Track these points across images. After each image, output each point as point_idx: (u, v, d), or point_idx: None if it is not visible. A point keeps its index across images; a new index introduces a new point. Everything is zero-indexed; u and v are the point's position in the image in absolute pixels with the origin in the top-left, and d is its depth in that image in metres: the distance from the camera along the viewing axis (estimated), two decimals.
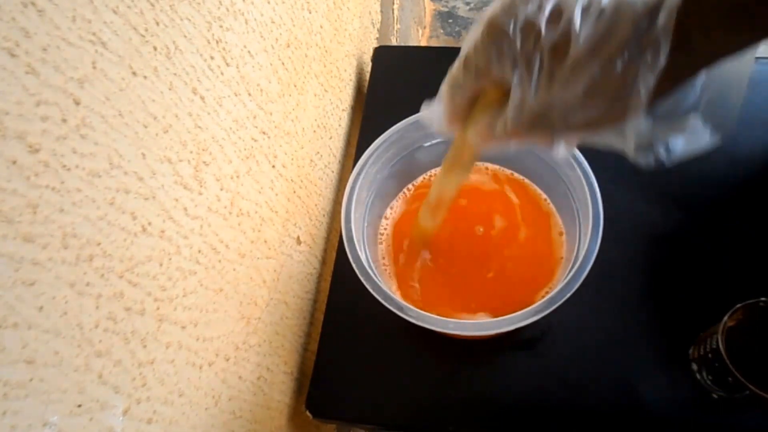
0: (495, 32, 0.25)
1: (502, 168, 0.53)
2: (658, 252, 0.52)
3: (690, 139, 0.25)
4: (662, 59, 0.21)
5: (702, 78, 0.23)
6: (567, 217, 0.48)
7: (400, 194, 0.53)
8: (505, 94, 0.27)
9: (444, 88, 0.30)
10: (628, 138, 0.24)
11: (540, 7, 0.23)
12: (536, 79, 0.24)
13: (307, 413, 0.49)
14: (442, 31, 1.43)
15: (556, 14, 0.23)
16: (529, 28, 0.23)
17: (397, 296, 0.41)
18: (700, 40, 0.21)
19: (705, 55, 0.22)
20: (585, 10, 0.22)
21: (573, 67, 0.23)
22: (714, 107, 0.24)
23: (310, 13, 0.50)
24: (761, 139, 0.55)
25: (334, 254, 0.58)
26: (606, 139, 0.25)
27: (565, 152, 0.27)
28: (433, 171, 0.54)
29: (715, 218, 0.53)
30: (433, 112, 0.32)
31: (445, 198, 0.40)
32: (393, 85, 0.67)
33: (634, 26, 0.21)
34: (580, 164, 0.43)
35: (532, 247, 0.49)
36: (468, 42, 0.27)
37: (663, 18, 0.21)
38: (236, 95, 0.37)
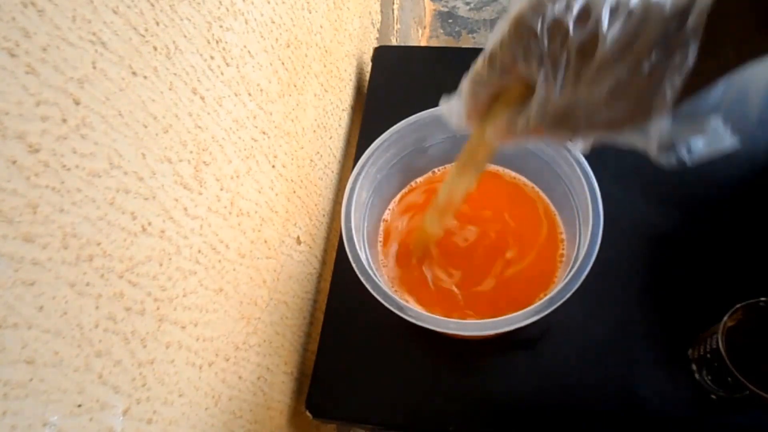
0: (522, 30, 0.25)
1: (502, 168, 0.53)
2: (658, 252, 0.52)
3: (711, 140, 0.25)
4: (690, 61, 0.21)
5: (724, 79, 0.23)
6: (567, 217, 0.48)
7: (400, 194, 0.53)
8: (527, 92, 0.27)
9: (466, 83, 0.30)
10: (651, 138, 0.24)
11: (568, 7, 0.23)
12: (562, 78, 0.24)
13: (307, 413, 0.49)
14: (442, 31, 1.43)
15: (584, 14, 0.23)
16: (557, 27, 0.24)
17: (397, 296, 0.41)
18: (729, 44, 0.21)
19: (734, 58, 0.22)
20: (613, 11, 0.22)
21: (600, 67, 0.23)
22: (734, 109, 0.24)
23: (310, 13, 0.50)
24: (761, 139, 0.55)
25: (334, 254, 0.58)
26: (628, 139, 0.25)
27: (582, 148, 0.28)
28: (433, 171, 0.54)
29: (715, 218, 0.53)
30: (453, 107, 0.32)
31: (455, 200, 0.39)
32: (393, 85, 0.67)
33: (662, 28, 0.21)
34: (580, 164, 0.43)
35: (532, 247, 0.49)
36: (493, 38, 0.27)
37: (693, 20, 0.21)
38: (236, 95, 0.37)
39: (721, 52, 0.22)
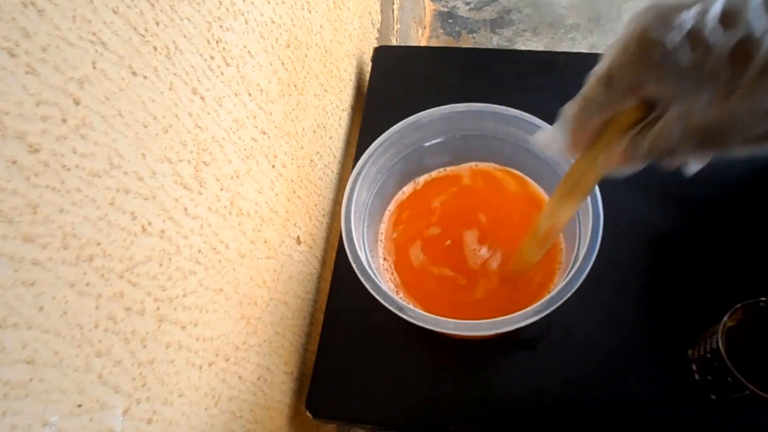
0: (650, 45, 0.23)
1: (502, 168, 0.53)
2: (658, 252, 0.52)
3: None
4: None
5: None
6: None
7: (400, 194, 0.53)
8: (642, 115, 0.26)
9: (573, 109, 0.28)
10: None
11: (704, 12, 0.21)
12: (710, 92, 0.22)
13: (307, 413, 0.49)
14: (442, 31, 1.43)
15: (730, 17, 0.21)
16: (697, 35, 0.21)
17: (397, 296, 0.41)
18: None
19: None
20: (765, 8, 0.20)
21: (758, 75, 0.21)
22: None
23: (310, 13, 0.50)
24: (751, 156, 0.55)
25: (334, 254, 0.58)
26: None
27: (698, 167, 0.26)
28: (434, 172, 0.54)
29: (715, 218, 0.53)
30: (554, 136, 0.30)
31: (557, 228, 0.38)
32: (393, 85, 0.67)
33: None
34: None
35: None
36: (611, 57, 0.25)
37: None
38: (236, 95, 0.37)
39: None
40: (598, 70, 0.26)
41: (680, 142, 0.24)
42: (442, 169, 0.54)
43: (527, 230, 0.41)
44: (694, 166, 0.25)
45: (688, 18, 0.21)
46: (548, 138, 0.31)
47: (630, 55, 0.24)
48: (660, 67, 0.23)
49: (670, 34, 0.22)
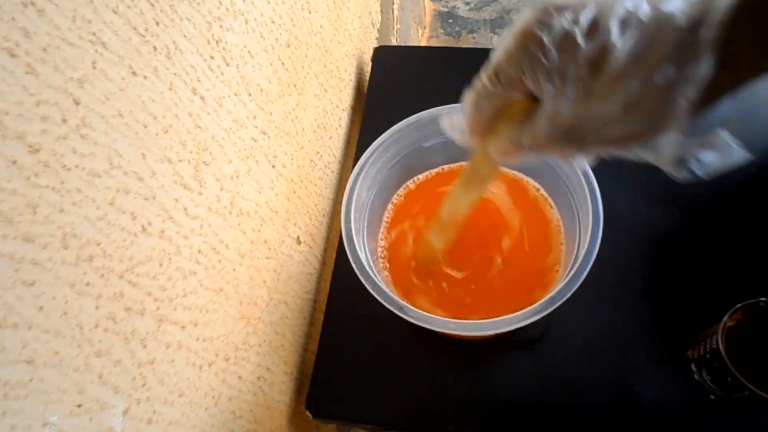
0: (529, 43, 0.24)
1: (501, 168, 0.53)
2: (658, 252, 0.52)
3: (721, 154, 0.24)
4: (705, 74, 0.21)
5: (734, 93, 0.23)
6: (567, 217, 0.48)
7: (400, 194, 0.53)
8: (532, 107, 0.27)
9: (468, 97, 0.29)
10: (663, 153, 0.24)
11: (576, 19, 0.23)
12: (572, 92, 0.23)
13: (307, 413, 0.49)
14: (442, 31, 1.43)
15: (594, 26, 0.22)
16: (566, 39, 0.23)
17: (397, 296, 0.41)
18: (745, 56, 0.21)
19: (749, 70, 0.21)
20: (624, 22, 0.22)
21: (611, 81, 0.22)
22: (744, 121, 0.23)
23: (310, 13, 0.50)
24: (761, 140, 0.55)
25: (334, 254, 0.58)
26: (638, 153, 0.25)
27: (588, 162, 0.27)
28: (434, 172, 0.54)
29: (715, 218, 0.53)
30: (455, 122, 0.32)
31: (459, 215, 0.39)
32: (393, 85, 0.67)
33: (675, 40, 0.21)
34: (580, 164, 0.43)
35: (532, 247, 0.49)
36: (498, 51, 0.26)
37: (707, 32, 0.20)
38: (236, 95, 0.37)
39: (737, 65, 0.21)
40: (489, 62, 0.27)
41: (548, 137, 0.26)
42: (441, 169, 0.54)
43: (430, 223, 0.42)
44: (579, 160, 0.26)
45: (562, 22, 0.23)
46: (452, 123, 0.32)
47: (513, 50, 0.25)
48: (535, 63, 0.24)
49: (545, 35, 0.23)
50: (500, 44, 0.26)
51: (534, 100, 0.27)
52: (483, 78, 0.28)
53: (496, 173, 0.34)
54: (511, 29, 0.25)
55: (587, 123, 0.24)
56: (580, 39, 0.22)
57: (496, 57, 0.27)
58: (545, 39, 0.23)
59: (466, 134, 0.32)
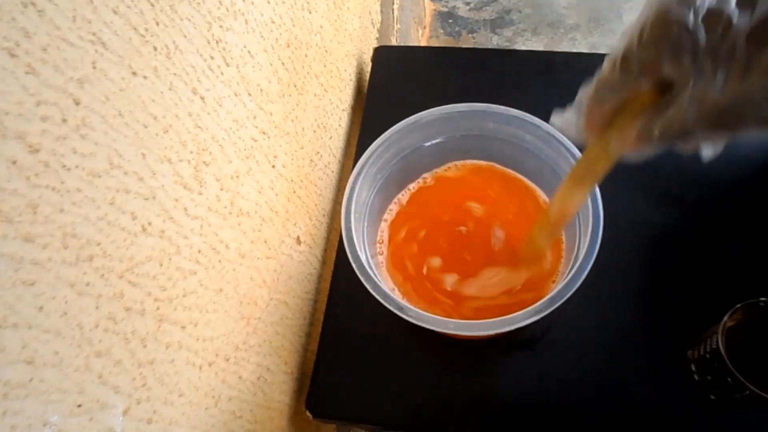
0: (668, 24, 0.23)
1: (501, 168, 0.53)
2: (658, 252, 0.52)
3: None
4: None
5: None
6: None
7: (400, 194, 0.53)
8: (657, 98, 0.26)
9: (588, 91, 0.28)
10: None
11: None
12: (726, 72, 0.22)
13: (307, 413, 0.49)
14: (442, 31, 1.43)
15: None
16: (715, 16, 0.21)
17: (397, 296, 0.41)
18: None
19: None
20: None
21: None
22: None
23: (310, 13, 0.50)
24: (761, 139, 0.55)
25: (334, 254, 0.58)
26: None
27: (712, 153, 0.26)
28: (434, 172, 0.54)
29: (715, 218, 0.53)
30: (569, 119, 0.31)
31: (568, 214, 0.37)
32: (393, 85, 0.67)
33: None
34: None
35: None
36: (626, 38, 0.25)
37: None
38: (236, 95, 0.37)
39: None
40: (614, 51, 0.26)
41: (694, 124, 0.24)
42: (442, 169, 0.54)
43: (536, 219, 0.41)
44: (707, 150, 0.25)
45: None
46: (564, 120, 0.31)
47: (647, 35, 0.24)
48: (676, 47, 0.23)
49: (688, 14, 0.22)
50: (628, 32, 0.25)
51: (662, 90, 0.25)
52: (609, 67, 0.27)
53: (610, 169, 0.32)
54: (641, 15, 0.24)
55: (746, 103, 0.22)
56: (733, 13, 0.21)
57: (624, 44, 0.25)
58: (689, 17, 0.22)
59: (582, 131, 0.30)
